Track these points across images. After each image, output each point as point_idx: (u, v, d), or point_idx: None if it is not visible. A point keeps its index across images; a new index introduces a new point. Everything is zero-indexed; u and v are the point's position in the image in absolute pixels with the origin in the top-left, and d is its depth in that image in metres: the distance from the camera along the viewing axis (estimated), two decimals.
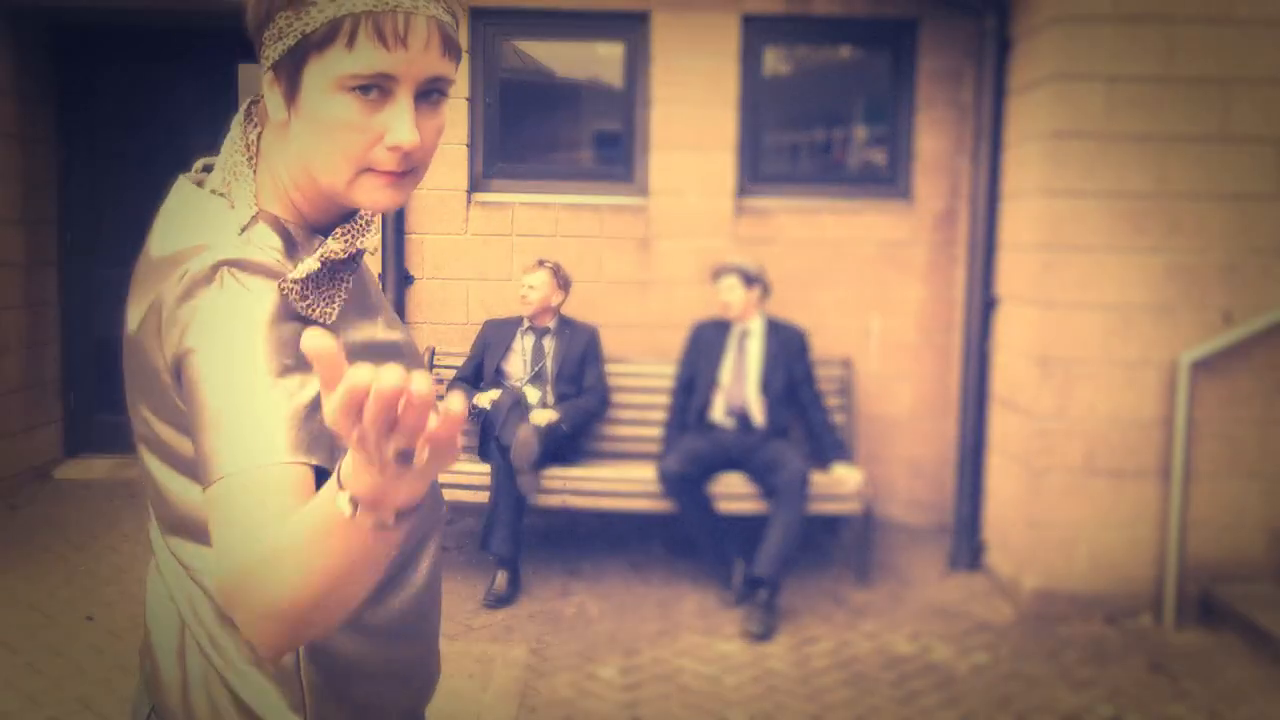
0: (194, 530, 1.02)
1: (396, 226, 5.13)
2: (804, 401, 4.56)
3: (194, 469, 0.97)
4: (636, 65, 5.21)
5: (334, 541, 0.80)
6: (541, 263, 4.68)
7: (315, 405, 0.93)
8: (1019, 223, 4.43)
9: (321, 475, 0.92)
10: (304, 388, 0.94)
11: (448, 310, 5.24)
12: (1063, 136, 4.07)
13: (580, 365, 4.67)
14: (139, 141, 5.98)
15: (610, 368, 4.84)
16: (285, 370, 0.94)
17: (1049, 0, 4.14)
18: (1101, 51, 4.01)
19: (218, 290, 0.97)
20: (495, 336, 4.80)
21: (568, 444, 4.58)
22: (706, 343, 4.62)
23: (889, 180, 5.29)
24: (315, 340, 0.72)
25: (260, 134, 1.11)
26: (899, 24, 5.17)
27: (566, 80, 5.56)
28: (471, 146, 5.22)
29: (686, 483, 4.28)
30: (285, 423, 0.92)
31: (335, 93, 0.98)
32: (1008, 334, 4.54)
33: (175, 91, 5.96)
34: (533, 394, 4.65)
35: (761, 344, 4.55)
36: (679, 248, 5.15)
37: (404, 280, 5.20)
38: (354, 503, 0.78)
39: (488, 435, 4.40)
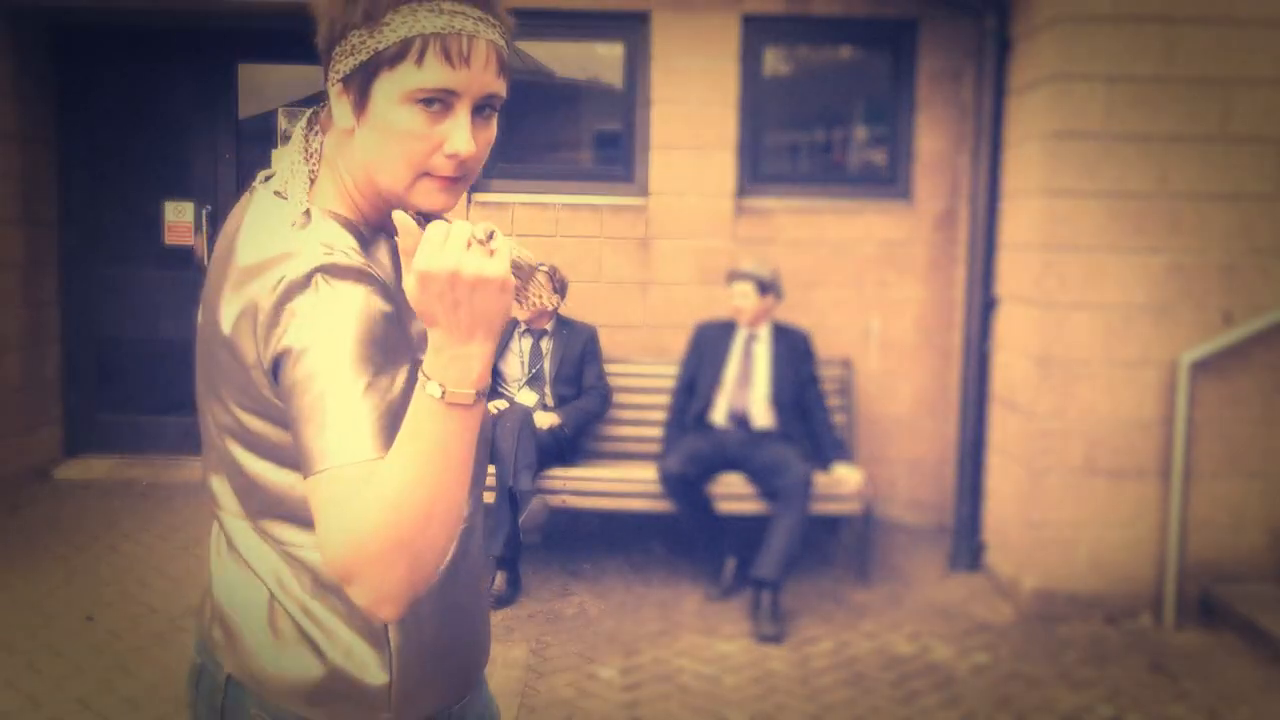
0: (291, 512, 1.13)
1: None
2: (807, 402, 4.56)
3: (290, 457, 1.08)
4: (636, 65, 5.21)
5: (431, 435, 0.94)
6: (540, 266, 4.66)
7: (403, 401, 1.03)
8: (1019, 223, 4.43)
9: None
10: (393, 386, 1.04)
11: None
12: (1063, 136, 4.06)
13: (579, 366, 4.67)
14: (139, 141, 5.98)
15: (610, 368, 4.84)
16: (377, 370, 1.03)
17: (1049, 0, 4.14)
18: (1101, 51, 4.01)
19: (314, 295, 1.05)
20: None
21: (568, 444, 4.58)
22: (710, 344, 4.61)
23: (889, 180, 5.29)
24: (403, 219, 0.90)
25: (323, 141, 1.20)
26: (899, 24, 5.17)
27: (566, 80, 5.56)
28: None
29: (686, 483, 4.28)
30: (378, 421, 1.01)
31: (402, 104, 1.10)
32: (1008, 334, 4.54)
33: (175, 91, 5.96)
34: (530, 396, 4.65)
35: (769, 350, 4.55)
36: (679, 248, 5.15)
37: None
38: (441, 386, 0.94)
39: (492, 440, 4.40)
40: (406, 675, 1.17)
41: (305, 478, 1.02)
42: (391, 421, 1.02)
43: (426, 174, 1.14)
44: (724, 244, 5.13)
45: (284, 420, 1.08)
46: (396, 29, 1.08)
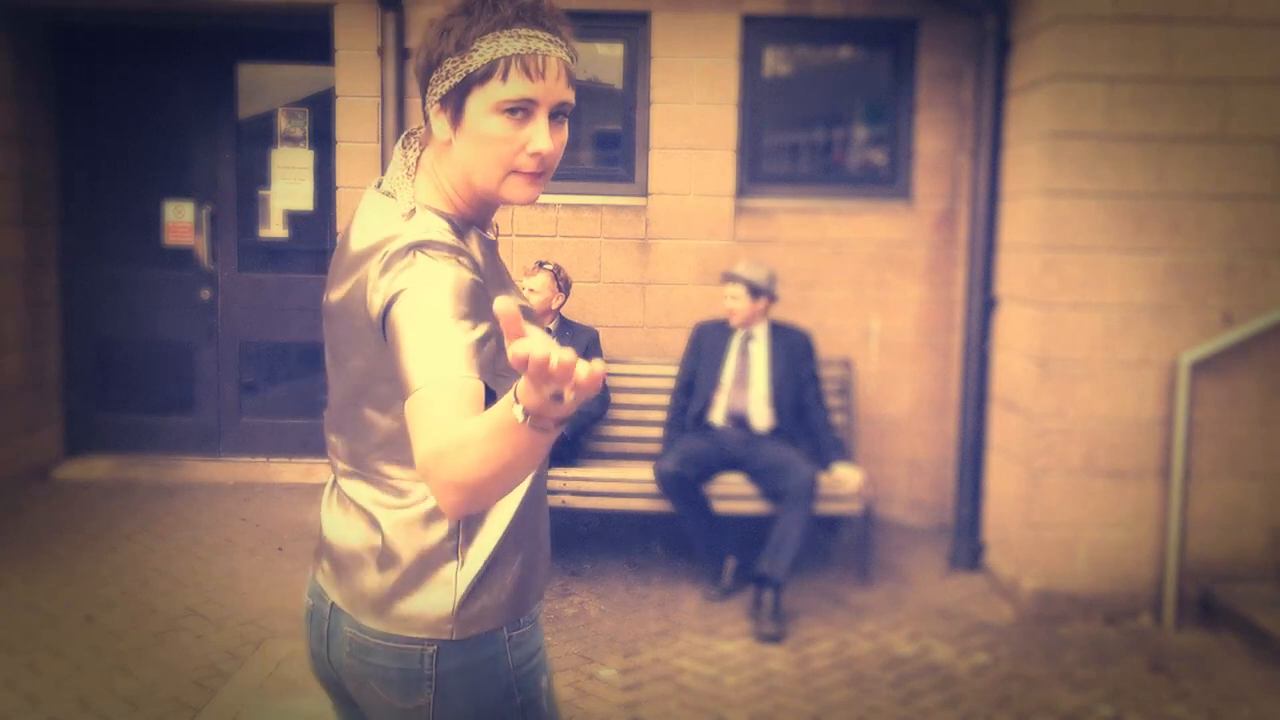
0: (395, 452, 1.40)
1: None
2: (807, 402, 4.56)
3: (398, 406, 1.31)
4: (636, 65, 5.21)
5: (507, 438, 1.10)
6: (541, 265, 4.67)
7: (483, 341, 1.27)
8: (1019, 223, 4.43)
9: (488, 395, 1.24)
10: (475, 329, 1.27)
11: None
12: (1063, 136, 4.07)
13: None
14: (139, 141, 5.98)
15: (610, 368, 4.84)
16: (463, 315, 1.27)
17: (1049, 0, 4.14)
18: (1101, 51, 4.01)
19: (411, 262, 1.30)
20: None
21: (568, 445, 4.58)
22: (708, 344, 4.61)
23: (889, 180, 5.29)
24: (504, 304, 1.02)
25: (420, 155, 1.46)
26: (899, 24, 5.17)
27: None
28: None
29: (682, 483, 4.28)
30: (464, 351, 1.24)
31: (491, 114, 1.35)
32: (1008, 334, 4.54)
33: (175, 91, 5.96)
34: None
35: (766, 350, 4.55)
36: (679, 248, 5.15)
37: None
38: (526, 413, 1.07)
39: None
40: (471, 597, 1.39)
41: (406, 399, 1.23)
42: (474, 353, 1.25)
43: (514, 171, 1.38)
44: (724, 244, 5.13)
45: (393, 373, 1.29)
46: (484, 53, 1.33)
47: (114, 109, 5.95)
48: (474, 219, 1.45)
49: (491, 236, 1.48)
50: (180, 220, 6.01)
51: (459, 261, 1.32)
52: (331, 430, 1.50)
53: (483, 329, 1.28)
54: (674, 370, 4.77)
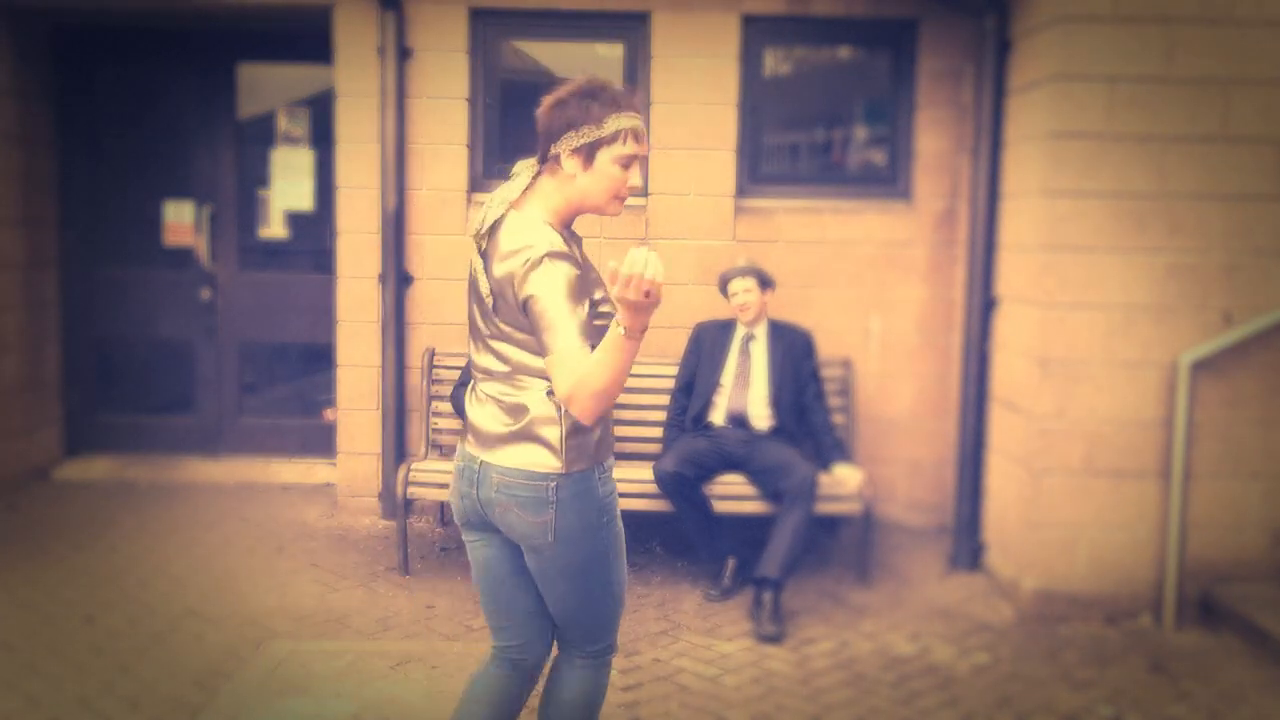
0: (526, 372, 2.22)
1: (396, 227, 5.13)
2: (807, 402, 4.56)
3: (527, 346, 2.19)
4: (636, 65, 5.21)
5: (618, 350, 1.96)
6: None
7: (585, 320, 2.10)
8: (1019, 223, 4.43)
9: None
10: (580, 309, 2.10)
11: (447, 310, 5.23)
12: (1063, 136, 4.06)
13: None
14: (139, 141, 5.98)
15: None
16: (575, 304, 2.09)
17: (1049, 0, 4.14)
18: (1101, 51, 4.01)
19: (545, 266, 2.10)
20: None
21: None
22: (709, 344, 4.62)
23: (889, 180, 5.29)
24: (608, 271, 1.91)
25: (535, 183, 2.26)
26: (899, 24, 5.17)
27: (567, 80, 5.55)
28: (471, 146, 5.22)
29: (682, 483, 4.28)
30: (578, 329, 2.07)
31: (613, 164, 2.18)
32: (1008, 334, 4.53)
33: (175, 91, 5.96)
34: None
35: (766, 350, 4.55)
36: (679, 248, 5.15)
37: (404, 280, 5.20)
38: (626, 330, 1.93)
39: None
40: (570, 450, 2.21)
41: (545, 358, 2.10)
42: (584, 330, 2.08)
43: (615, 198, 2.23)
44: (724, 244, 5.13)
45: (526, 329, 2.16)
46: (610, 126, 2.17)
47: (114, 109, 5.95)
48: (568, 224, 2.28)
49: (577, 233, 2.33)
50: (180, 220, 6.01)
51: (569, 264, 2.11)
52: (476, 355, 2.32)
53: (585, 311, 2.12)
54: (674, 370, 4.77)
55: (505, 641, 2.42)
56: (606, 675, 2.48)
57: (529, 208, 2.21)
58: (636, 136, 2.18)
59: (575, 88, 2.20)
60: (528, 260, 2.10)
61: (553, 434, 2.20)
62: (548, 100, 2.22)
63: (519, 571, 2.35)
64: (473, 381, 2.37)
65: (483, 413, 2.29)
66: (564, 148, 2.16)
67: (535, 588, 2.34)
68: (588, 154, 2.16)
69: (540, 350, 2.11)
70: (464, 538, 2.41)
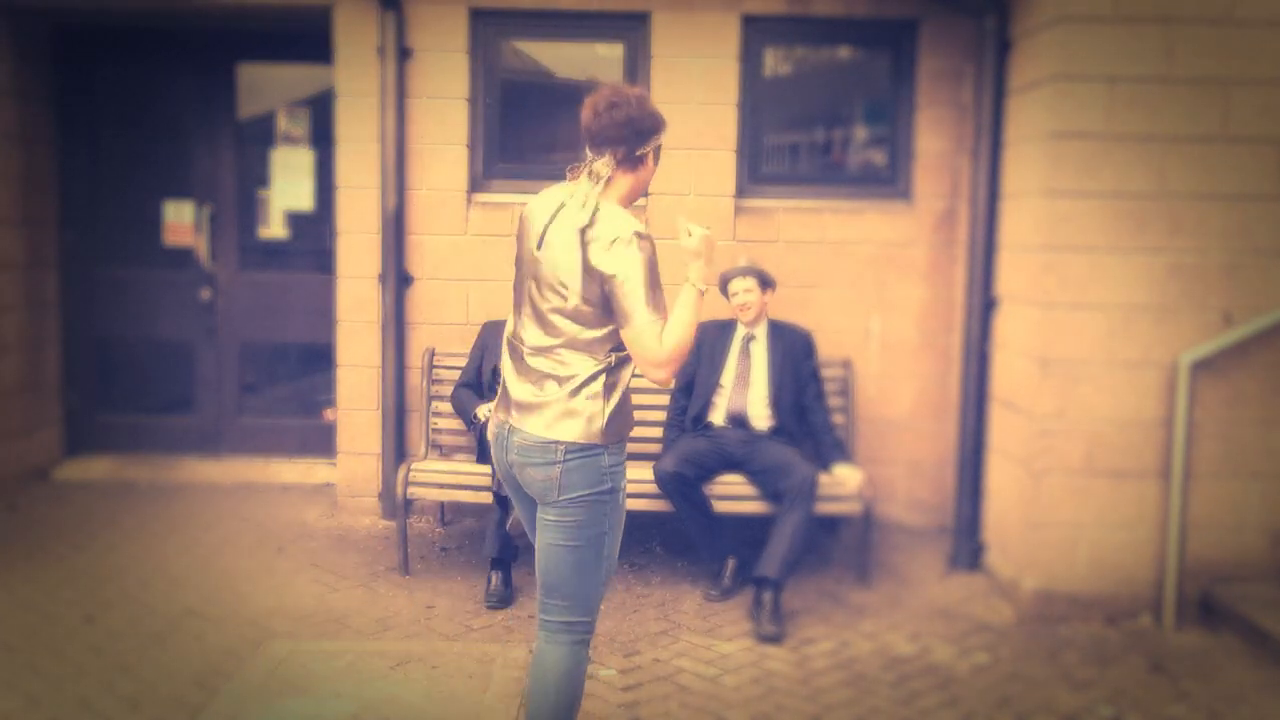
0: (579, 345, 2.52)
1: (396, 227, 5.13)
2: (807, 403, 4.56)
3: (596, 322, 2.50)
4: (636, 65, 5.21)
5: (692, 305, 2.52)
6: None
7: (660, 290, 2.45)
8: (1019, 223, 4.43)
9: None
10: (658, 287, 2.45)
11: (447, 310, 5.23)
12: (1063, 136, 4.06)
13: None
14: (139, 141, 5.98)
15: None
16: (654, 280, 2.45)
17: (1049, 0, 4.14)
18: (1101, 51, 4.01)
19: (632, 244, 2.45)
20: (493, 338, 4.80)
21: None
22: (709, 344, 4.61)
23: (889, 180, 5.29)
24: (696, 234, 2.65)
25: (610, 179, 2.59)
26: (899, 24, 5.17)
27: (566, 80, 5.56)
28: (471, 146, 5.22)
29: (682, 483, 4.28)
30: (655, 302, 2.44)
31: (652, 162, 2.64)
32: (1008, 334, 4.53)
33: (175, 91, 5.96)
34: None
35: (766, 350, 4.55)
36: (679, 247, 5.13)
37: (404, 280, 5.20)
38: (697, 286, 2.55)
39: (485, 443, 4.41)
40: (611, 421, 2.52)
41: (623, 328, 2.46)
42: (660, 303, 2.45)
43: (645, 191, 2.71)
44: (724, 244, 5.13)
45: (603, 304, 2.48)
46: (661, 137, 2.62)
47: (114, 109, 5.95)
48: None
49: None
50: (180, 220, 6.01)
51: (648, 242, 2.47)
52: (522, 329, 2.61)
53: (659, 287, 2.46)
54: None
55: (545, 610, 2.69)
56: (585, 658, 2.64)
57: (610, 199, 2.55)
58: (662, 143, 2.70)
59: (640, 97, 2.57)
60: (616, 240, 2.44)
61: (595, 406, 2.49)
62: (637, 106, 2.54)
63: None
64: (512, 355, 2.66)
65: (521, 384, 2.58)
66: (650, 148, 2.58)
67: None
68: (655, 155, 2.62)
69: (620, 320, 2.45)
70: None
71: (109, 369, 6.09)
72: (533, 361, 2.56)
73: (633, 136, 2.52)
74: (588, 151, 2.62)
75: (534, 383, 2.54)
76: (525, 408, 2.54)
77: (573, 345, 2.51)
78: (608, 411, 2.50)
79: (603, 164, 2.55)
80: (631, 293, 2.41)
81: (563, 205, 2.57)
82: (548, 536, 2.56)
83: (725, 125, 5.13)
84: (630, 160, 2.55)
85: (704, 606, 4.26)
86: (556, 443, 2.48)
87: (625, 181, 2.57)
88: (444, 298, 5.23)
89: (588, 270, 2.46)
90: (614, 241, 2.42)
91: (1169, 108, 4.02)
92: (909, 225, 5.18)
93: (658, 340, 2.41)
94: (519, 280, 2.65)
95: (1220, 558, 4.15)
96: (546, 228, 2.57)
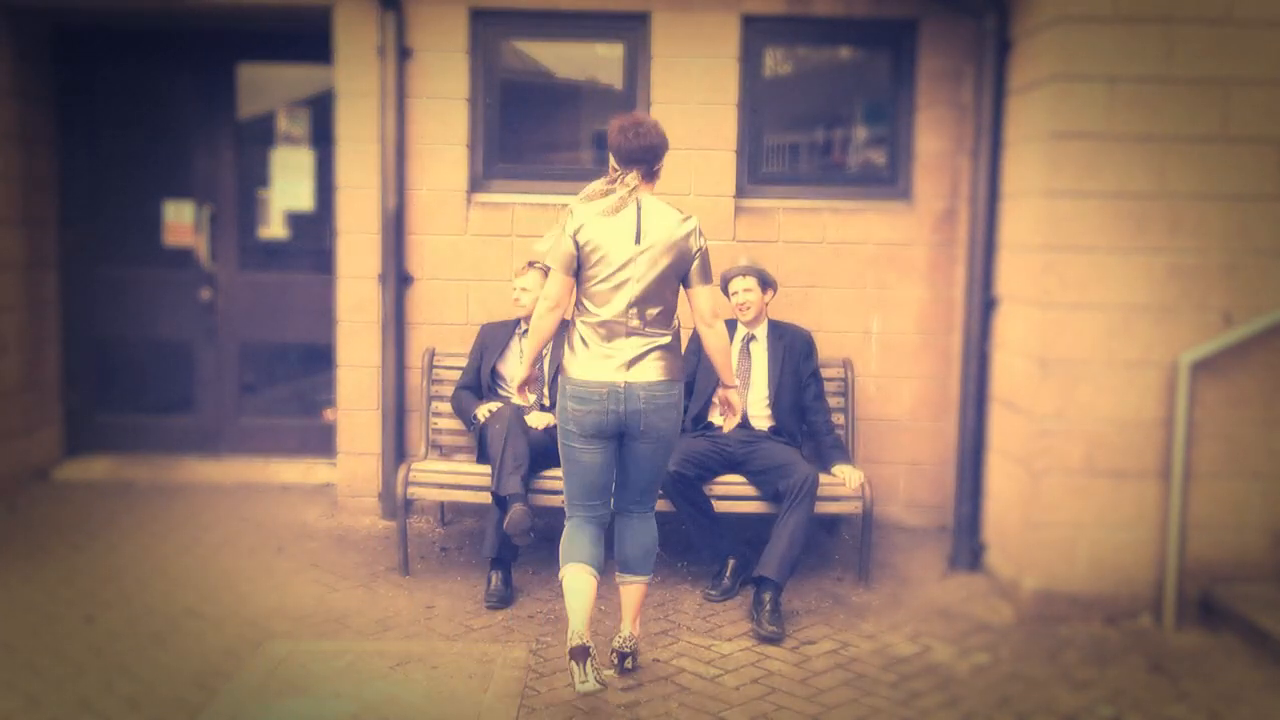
0: (656, 304, 3.44)
1: (396, 226, 5.13)
2: (807, 403, 4.56)
3: (688, 282, 3.48)
4: (636, 65, 5.21)
5: (726, 351, 3.69)
6: (532, 264, 4.68)
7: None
8: (1019, 223, 4.43)
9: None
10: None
11: (447, 310, 5.23)
12: (1063, 136, 4.06)
13: None
14: (139, 141, 5.98)
15: None
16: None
17: (1049, 0, 4.14)
18: (1101, 51, 4.01)
19: (699, 230, 3.48)
20: (491, 339, 4.80)
21: None
22: None
23: (889, 180, 5.29)
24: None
25: (636, 188, 3.40)
26: (899, 24, 5.17)
27: (566, 80, 5.56)
28: (471, 146, 5.22)
29: (683, 483, 4.28)
30: (715, 273, 3.80)
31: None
32: (1008, 334, 4.53)
33: (175, 91, 5.96)
34: (528, 397, 4.64)
35: (766, 350, 4.55)
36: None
37: (404, 280, 5.20)
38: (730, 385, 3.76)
39: (485, 443, 4.41)
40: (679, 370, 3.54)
41: (700, 289, 3.46)
42: (712, 272, 3.54)
43: None
44: (724, 244, 5.13)
45: (686, 278, 3.47)
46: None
47: (114, 109, 5.95)
48: None
49: None
50: (180, 220, 6.01)
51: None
52: (634, 308, 3.38)
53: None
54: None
55: (596, 510, 3.56)
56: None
57: (650, 198, 3.43)
58: None
59: (656, 123, 3.46)
60: (693, 231, 3.42)
61: (679, 358, 3.52)
62: (656, 134, 3.42)
63: (612, 464, 3.52)
64: (595, 329, 3.41)
65: (633, 347, 3.40)
66: (662, 164, 3.48)
67: (613, 472, 3.54)
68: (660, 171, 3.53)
69: (696, 284, 3.43)
70: (583, 445, 3.46)
71: (109, 369, 6.09)
72: (641, 329, 3.41)
73: (653, 157, 3.41)
74: (614, 164, 3.44)
75: (644, 342, 3.41)
76: (640, 360, 3.40)
77: (668, 312, 3.46)
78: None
79: (633, 177, 3.39)
80: (705, 265, 3.47)
81: (619, 209, 3.39)
82: (647, 458, 3.51)
83: (725, 125, 5.13)
84: (651, 175, 3.43)
85: (704, 606, 4.26)
86: (676, 383, 3.46)
87: (645, 190, 3.43)
88: (444, 298, 5.23)
89: (670, 249, 3.39)
90: (694, 231, 3.46)
91: (1169, 108, 4.02)
92: (909, 225, 5.18)
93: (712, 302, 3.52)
94: (606, 276, 3.37)
95: (1220, 558, 4.15)
96: (640, 228, 3.38)
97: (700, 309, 3.44)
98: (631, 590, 3.62)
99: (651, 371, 3.39)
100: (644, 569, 3.62)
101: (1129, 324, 4.10)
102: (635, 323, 3.38)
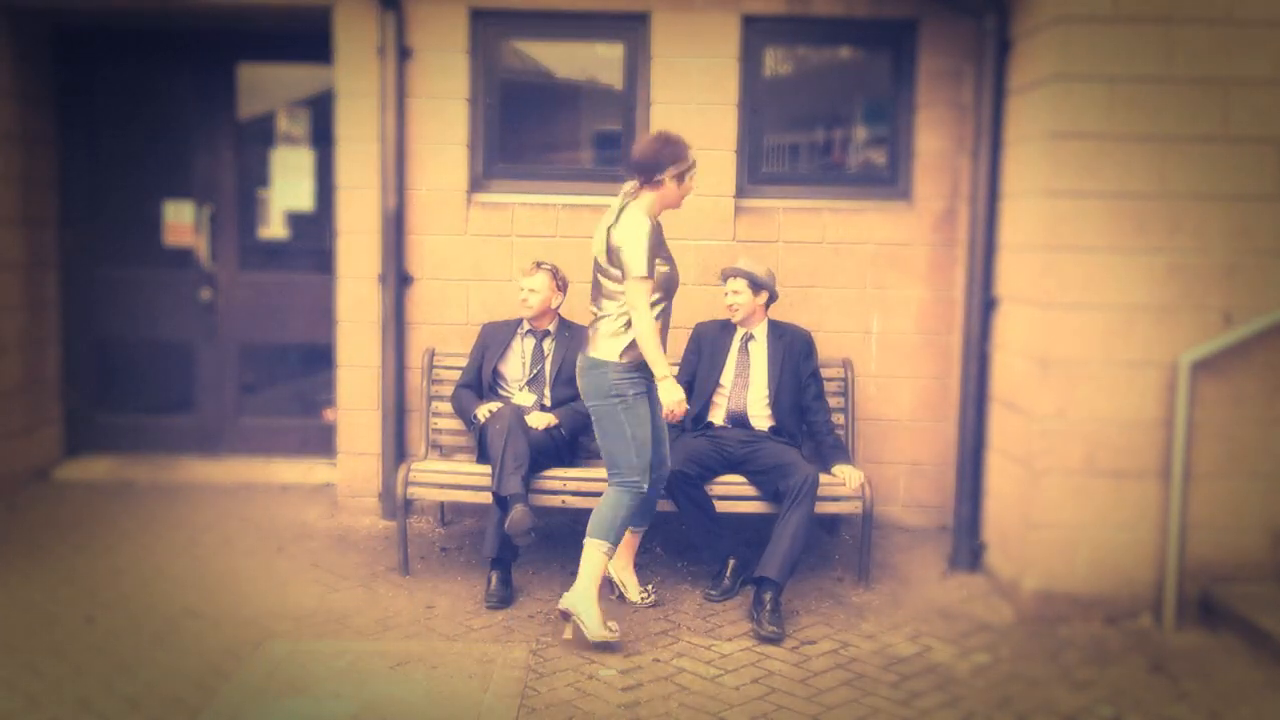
0: (611, 296, 3.88)
1: (397, 226, 5.13)
2: (807, 402, 4.56)
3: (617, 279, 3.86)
4: (636, 65, 5.21)
5: (652, 335, 3.92)
6: (540, 265, 4.68)
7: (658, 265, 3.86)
8: (1019, 223, 4.43)
9: None
10: (659, 259, 3.84)
11: (447, 310, 5.23)
12: (1063, 136, 4.06)
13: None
14: (139, 141, 5.98)
15: None
16: (653, 253, 3.79)
17: (1049, 0, 4.14)
18: (1101, 51, 4.01)
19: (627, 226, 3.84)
20: (492, 339, 4.80)
21: (566, 445, 4.58)
22: (709, 344, 4.61)
23: (889, 180, 5.29)
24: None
25: (636, 194, 3.87)
26: (899, 24, 5.17)
27: (566, 80, 5.56)
28: (471, 146, 5.22)
29: (684, 482, 4.28)
30: (652, 266, 3.81)
31: (688, 182, 3.90)
32: (1008, 334, 4.53)
33: (175, 91, 5.96)
34: (528, 396, 4.65)
35: (766, 350, 4.55)
36: (679, 248, 5.09)
37: (404, 280, 5.20)
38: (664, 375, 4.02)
39: (485, 443, 4.41)
40: (623, 353, 3.85)
41: (624, 280, 3.78)
42: (652, 266, 3.78)
43: (683, 199, 3.96)
44: (724, 244, 5.13)
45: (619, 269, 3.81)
46: (690, 158, 3.87)
47: (114, 109, 5.95)
48: (656, 216, 3.85)
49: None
50: (180, 220, 6.02)
51: (656, 228, 3.80)
52: (594, 289, 3.90)
53: (660, 258, 3.84)
54: (673, 370, 4.76)
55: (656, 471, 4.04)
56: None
57: (635, 206, 3.82)
58: (696, 169, 3.92)
59: (669, 137, 3.84)
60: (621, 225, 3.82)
61: (615, 342, 3.86)
62: (655, 144, 3.81)
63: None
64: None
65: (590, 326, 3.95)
66: (668, 174, 3.80)
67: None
68: (679, 177, 3.83)
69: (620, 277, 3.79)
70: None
71: (109, 369, 6.09)
72: (593, 309, 3.94)
73: (648, 169, 3.80)
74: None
75: (593, 322, 3.97)
76: (589, 339, 3.96)
77: (605, 295, 3.88)
78: (632, 346, 3.85)
79: (630, 184, 3.88)
80: (624, 255, 3.77)
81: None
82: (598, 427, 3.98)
83: (725, 125, 5.13)
84: (651, 183, 3.82)
85: (704, 606, 4.26)
86: (607, 363, 3.85)
87: (650, 197, 3.84)
88: (444, 298, 5.23)
89: (613, 248, 3.80)
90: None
91: (1169, 108, 4.02)
92: (909, 225, 5.18)
93: (642, 299, 3.77)
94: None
95: (1220, 558, 4.15)
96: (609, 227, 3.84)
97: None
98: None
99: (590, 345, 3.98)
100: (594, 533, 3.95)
101: (1129, 324, 4.10)
102: (593, 308, 3.97)
